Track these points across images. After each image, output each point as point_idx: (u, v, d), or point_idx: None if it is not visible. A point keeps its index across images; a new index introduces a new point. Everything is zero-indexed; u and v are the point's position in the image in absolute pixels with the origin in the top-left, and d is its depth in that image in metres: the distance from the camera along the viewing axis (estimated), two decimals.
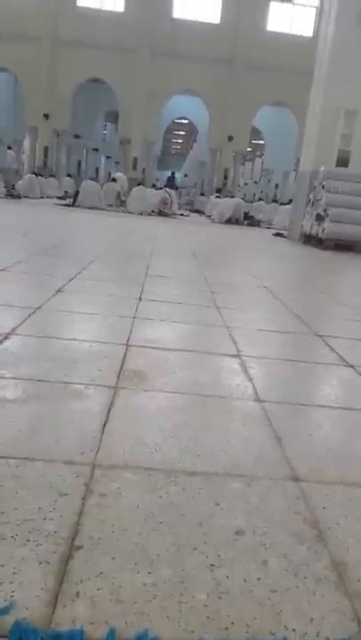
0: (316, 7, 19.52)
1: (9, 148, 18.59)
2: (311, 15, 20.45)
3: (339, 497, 1.10)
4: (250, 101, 20.70)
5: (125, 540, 0.89)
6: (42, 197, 15.68)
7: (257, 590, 0.80)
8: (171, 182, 20.99)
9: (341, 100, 8.32)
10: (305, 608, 0.78)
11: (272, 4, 20.66)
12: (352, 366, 2.04)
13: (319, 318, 3.04)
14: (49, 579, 0.78)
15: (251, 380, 1.75)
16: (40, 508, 0.95)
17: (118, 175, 16.58)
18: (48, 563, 0.81)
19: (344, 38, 8.24)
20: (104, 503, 0.98)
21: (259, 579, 0.83)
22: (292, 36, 20.57)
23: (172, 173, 26.38)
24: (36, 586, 0.77)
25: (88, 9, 20.28)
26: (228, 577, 0.82)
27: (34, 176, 15.82)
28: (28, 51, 19.84)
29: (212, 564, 0.85)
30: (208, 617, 0.74)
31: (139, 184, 15.54)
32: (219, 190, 20.23)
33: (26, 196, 14.38)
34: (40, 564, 0.81)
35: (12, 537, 0.87)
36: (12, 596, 0.74)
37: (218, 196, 16.14)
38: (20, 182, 14.66)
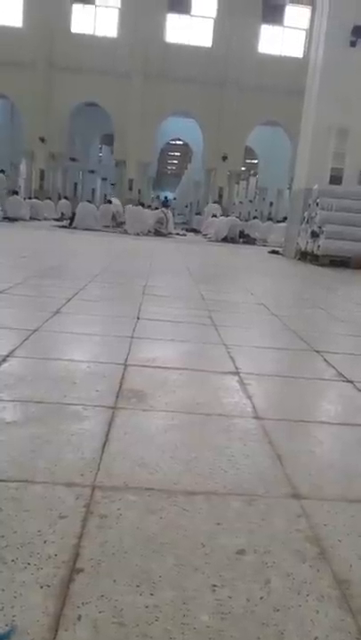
0: (306, 29, 19.99)
1: (1, 171, 18.77)
2: (301, 37, 20.92)
3: (341, 514, 1.10)
4: (243, 122, 21.02)
5: (127, 562, 0.88)
6: (39, 219, 15.80)
7: (260, 610, 0.80)
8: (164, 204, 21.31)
9: (333, 118, 8.47)
10: (308, 627, 0.77)
11: (263, 26, 21.13)
12: (351, 382, 2.04)
13: (317, 334, 3.05)
14: (50, 602, 0.77)
15: (250, 397, 1.75)
16: (40, 530, 0.94)
17: (113, 201, 16.77)
18: (49, 586, 0.81)
19: (334, 58, 8.43)
20: (105, 525, 0.98)
21: (261, 598, 0.82)
22: (283, 57, 21.01)
23: (157, 196, 26.89)
24: (37, 610, 0.76)
25: (82, 35, 20.71)
26: (230, 597, 0.82)
27: (16, 196, 15.94)
28: (25, 76, 20.18)
29: (214, 585, 0.84)
30: (210, 638, 0.74)
31: (141, 204, 15.71)
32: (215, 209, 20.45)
33: (22, 219, 14.48)
34: (41, 587, 0.80)
35: (13, 560, 0.86)
36: (13, 621, 0.73)
37: (214, 215, 16.28)
38: (6, 204, 14.75)
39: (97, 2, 20.83)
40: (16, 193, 16.69)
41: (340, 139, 8.54)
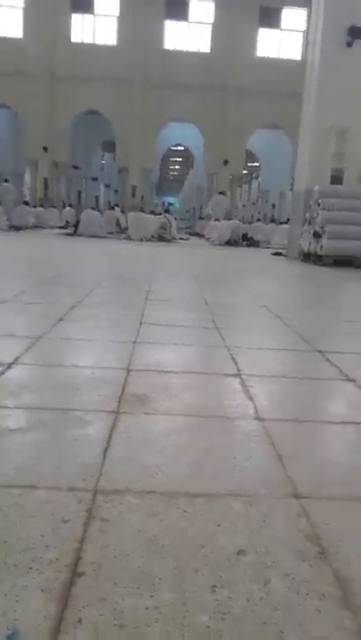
0: (303, 31, 20.02)
1: (5, 180, 18.97)
2: (299, 39, 20.98)
3: (341, 513, 1.10)
4: (243, 125, 21.08)
5: (127, 565, 0.89)
6: (44, 228, 15.92)
7: (259, 610, 0.80)
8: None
9: (332, 118, 8.48)
10: (308, 626, 0.78)
11: (260, 30, 21.20)
12: (353, 380, 2.04)
13: (320, 334, 3.05)
14: (51, 606, 0.78)
15: (251, 399, 1.76)
16: (42, 535, 0.95)
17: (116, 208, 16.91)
18: (50, 590, 0.82)
19: (331, 59, 8.44)
20: (106, 528, 0.99)
21: (261, 598, 0.83)
22: (281, 59, 21.08)
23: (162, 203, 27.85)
24: (38, 614, 0.77)
25: (82, 44, 20.91)
26: (230, 597, 0.82)
27: (24, 205, 16.13)
28: (26, 86, 20.38)
29: (213, 586, 0.85)
30: (210, 638, 0.74)
31: (141, 210, 15.78)
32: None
33: (27, 227, 14.59)
34: (42, 591, 0.81)
35: (15, 565, 0.87)
36: (15, 625, 0.74)
37: (216, 219, 16.31)
38: (13, 213, 14.91)
39: (96, 11, 21.00)
40: (27, 203, 16.80)
41: (340, 139, 8.54)
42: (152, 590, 0.83)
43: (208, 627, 0.76)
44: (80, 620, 0.76)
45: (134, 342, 2.48)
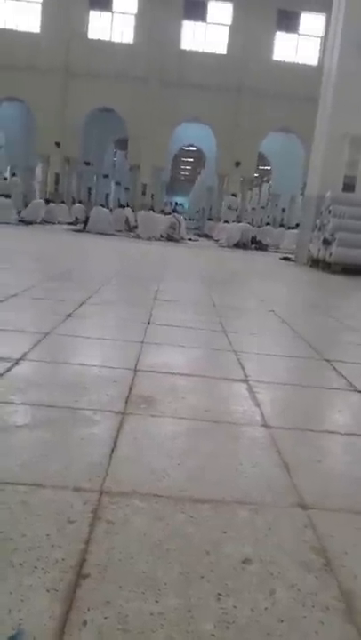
0: (321, 37, 20.00)
1: (13, 174, 19.00)
2: (316, 44, 20.95)
3: (347, 525, 1.09)
4: (257, 128, 21.08)
5: (133, 569, 0.89)
6: (53, 223, 15.96)
7: (264, 620, 0.80)
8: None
9: (347, 126, 8.45)
10: (313, 638, 0.77)
11: (278, 34, 21.19)
12: (360, 392, 2.03)
13: (327, 343, 3.04)
14: (56, 607, 0.78)
15: (258, 405, 1.76)
16: (48, 535, 0.96)
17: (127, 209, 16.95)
18: (56, 590, 0.82)
19: (348, 66, 8.42)
20: (112, 530, 0.99)
21: (266, 608, 0.82)
22: (298, 64, 21.06)
23: (170, 202, 28.35)
24: (43, 614, 0.77)
25: (99, 41, 20.95)
26: (235, 606, 0.82)
27: (41, 200, 16.21)
28: (41, 81, 20.45)
29: (219, 594, 0.84)
30: None
31: (151, 209, 15.78)
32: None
33: (36, 222, 14.64)
34: (48, 591, 0.81)
35: (21, 564, 0.87)
36: (20, 624, 0.74)
37: (225, 222, 16.30)
38: (26, 209, 14.98)
39: (114, 8, 21.06)
40: (47, 201, 16.75)
41: (354, 146, 8.52)
42: (157, 595, 0.83)
43: (213, 635, 0.76)
44: (85, 623, 0.76)
45: (142, 342, 2.48)
